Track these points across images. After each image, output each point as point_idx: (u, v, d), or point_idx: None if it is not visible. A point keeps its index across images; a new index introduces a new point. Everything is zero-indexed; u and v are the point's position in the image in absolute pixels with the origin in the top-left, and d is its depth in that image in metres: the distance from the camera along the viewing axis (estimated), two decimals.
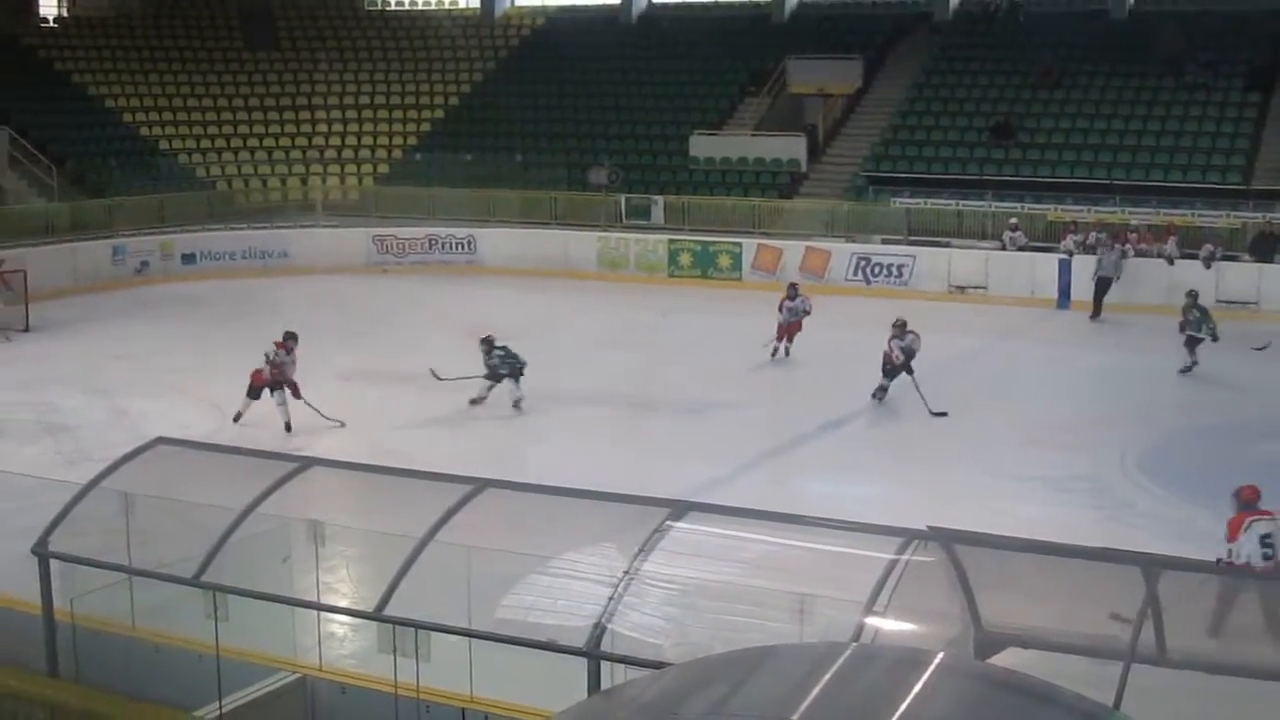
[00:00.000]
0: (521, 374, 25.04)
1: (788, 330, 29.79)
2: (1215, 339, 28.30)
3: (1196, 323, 28.71)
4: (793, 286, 30.63)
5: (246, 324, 32.48)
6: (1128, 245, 36.74)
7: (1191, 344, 28.53)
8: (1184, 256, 36.58)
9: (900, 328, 25.62)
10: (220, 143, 50.29)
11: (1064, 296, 36.19)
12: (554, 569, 11.14)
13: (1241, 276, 36.24)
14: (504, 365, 25.02)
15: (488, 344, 25.06)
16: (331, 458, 16.48)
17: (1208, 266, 35.88)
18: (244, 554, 12.79)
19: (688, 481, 19.09)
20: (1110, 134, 43.48)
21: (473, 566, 11.37)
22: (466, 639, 10.96)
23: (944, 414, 24.61)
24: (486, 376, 25.04)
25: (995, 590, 9.74)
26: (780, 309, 29.86)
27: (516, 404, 24.77)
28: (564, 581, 10.96)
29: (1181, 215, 39.16)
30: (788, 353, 29.76)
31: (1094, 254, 36.36)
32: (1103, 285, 35.53)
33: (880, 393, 25.61)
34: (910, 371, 25.17)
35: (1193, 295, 29.21)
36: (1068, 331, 33.80)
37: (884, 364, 25.55)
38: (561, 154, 47.65)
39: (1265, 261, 36.73)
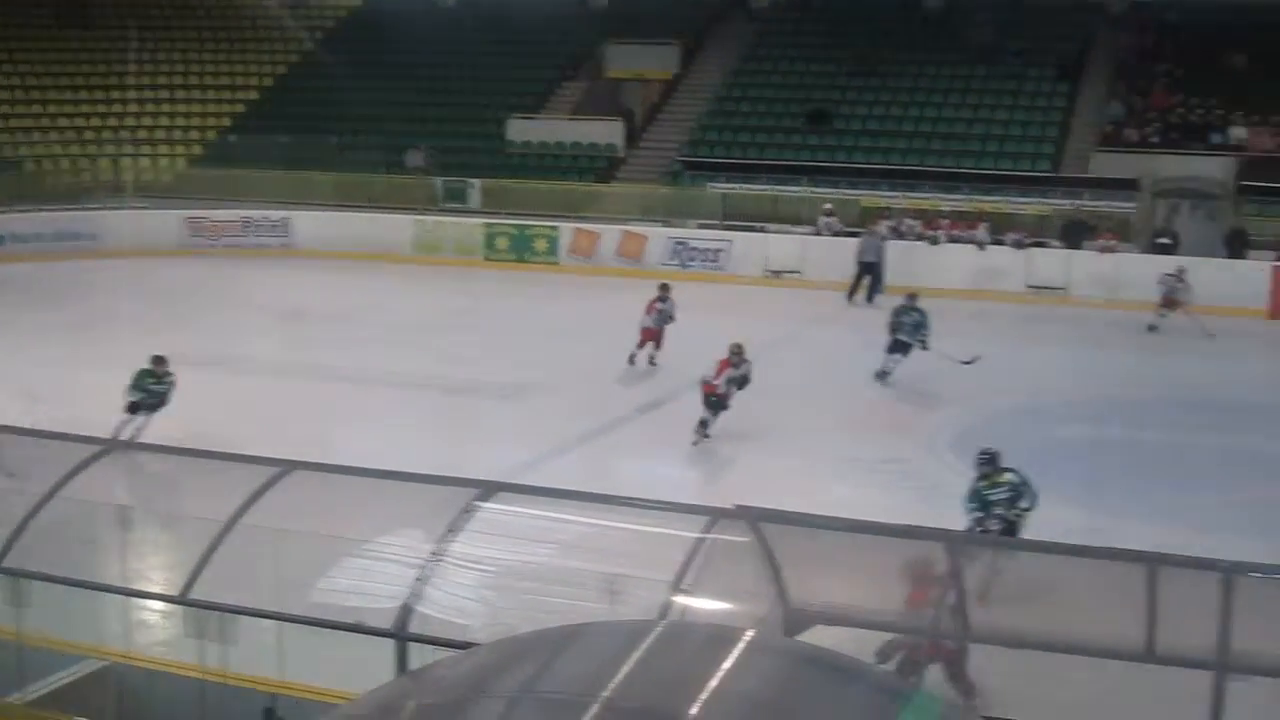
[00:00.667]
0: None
1: (653, 336, 27.33)
2: (925, 348, 26.17)
3: (913, 327, 26.50)
4: (664, 287, 27.97)
5: (55, 308, 31.81)
6: (891, 227, 37.97)
7: (899, 348, 26.38)
8: (994, 243, 37.26)
9: (738, 354, 22.49)
10: (29, 122, 49.07)
11: (878, 282, 36.59)
12: (361, 551, 11.05)
13: (1051, 262, 36.96)
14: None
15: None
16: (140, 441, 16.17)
17: (1019, 248, 36.67)
18: (47, 539, 12.48)
19: (502, 464, 19.03)
20: (924, 121, 44.20)
21: (281, 550, 11.22)
22: (277, 623, 10.81)
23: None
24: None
25: (803, 568, 9.81)
26: (649, 311, 27.38)
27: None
28: (371, 563, 10.85)
29: (992, 202, 39.85)
30: (652, 361, 27.32)
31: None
32: (864, 269, 36.13)
33: (702, 429, 22.32)
34: (726, 407, 22.28)
35: (912, 297, 27.19)
36: (876, 317, 34.19)
37: (707, 395, 22.32)
38: (378, 136, 47.19)
39: (1074, 247, 37.51)
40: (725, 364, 22.27)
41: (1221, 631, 8.18)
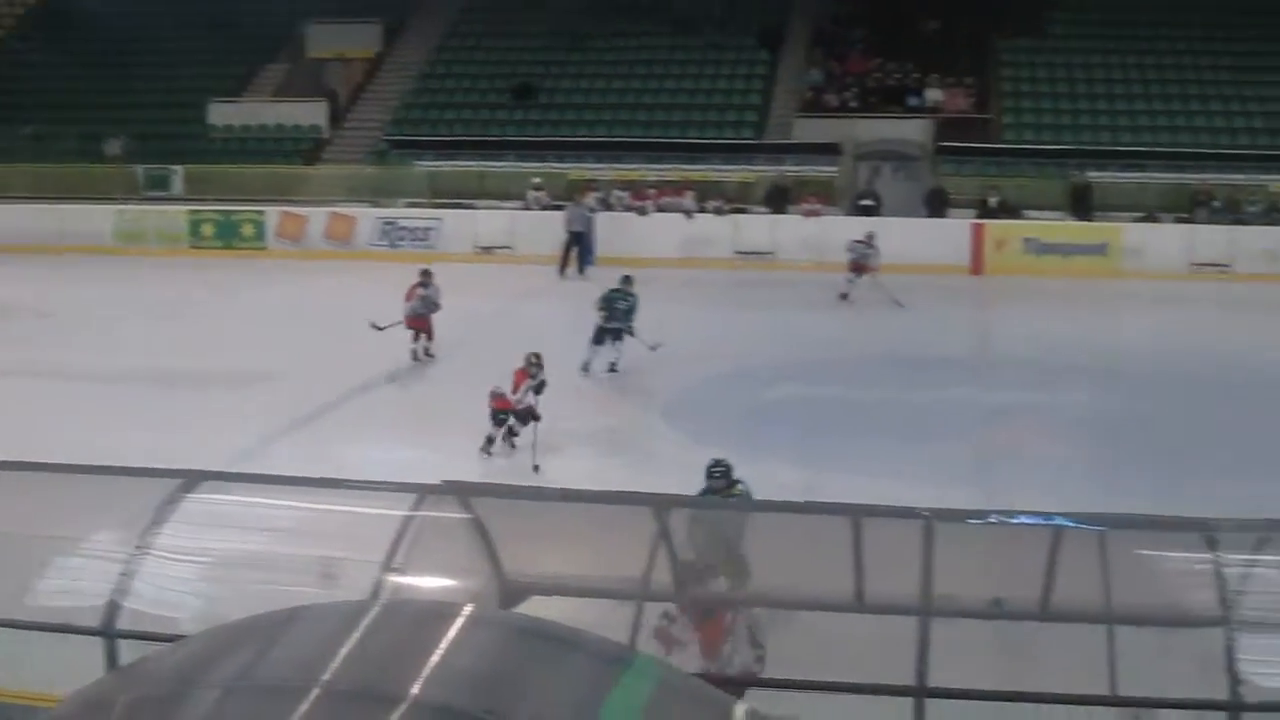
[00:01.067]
0: None
1: (422, 325, 26.04)
2: (632, 334, 25.32)
3: (626, 313, 25.51)
4: (425, 273, 26.50)
5: None
6: (599, 199, 38.47)
7: (608, 336, 25.30)
8: (701, 211, 37.78)
9: (535, 364, 21.08)
10: None
11: (588, 253, 36.78)
12: (66, 550, 10.78)
13: (758, 228, 37.61)
14: None
15: None
16: None
17: (720, 214, 37.27)
18: None
19: (220, 454, 18.62)
20: (628, 93, 44.51)
21: None
22: None
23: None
24: None
25: (516, 541, 9.86)
26: (409, 298, 25.98)
27: None
28: (77, 562, 10.60)
29: (699, 171, 40.38)
30: (428, 353, 26.20)
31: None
32: (573, 240, 36.42)
33: (509, 438, 20.94)
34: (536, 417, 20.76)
35: (627, 280, 26.26)
36: (593, 287, 34.42)
37: (497, 411, 20.94)
38: (74, 125, 45.81)
39: (779, 213, 38.21)
40: (523, 375, 21.01)
41: (924, 578, 8.45)
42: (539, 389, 20.92)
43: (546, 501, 10.36)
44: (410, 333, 25.98)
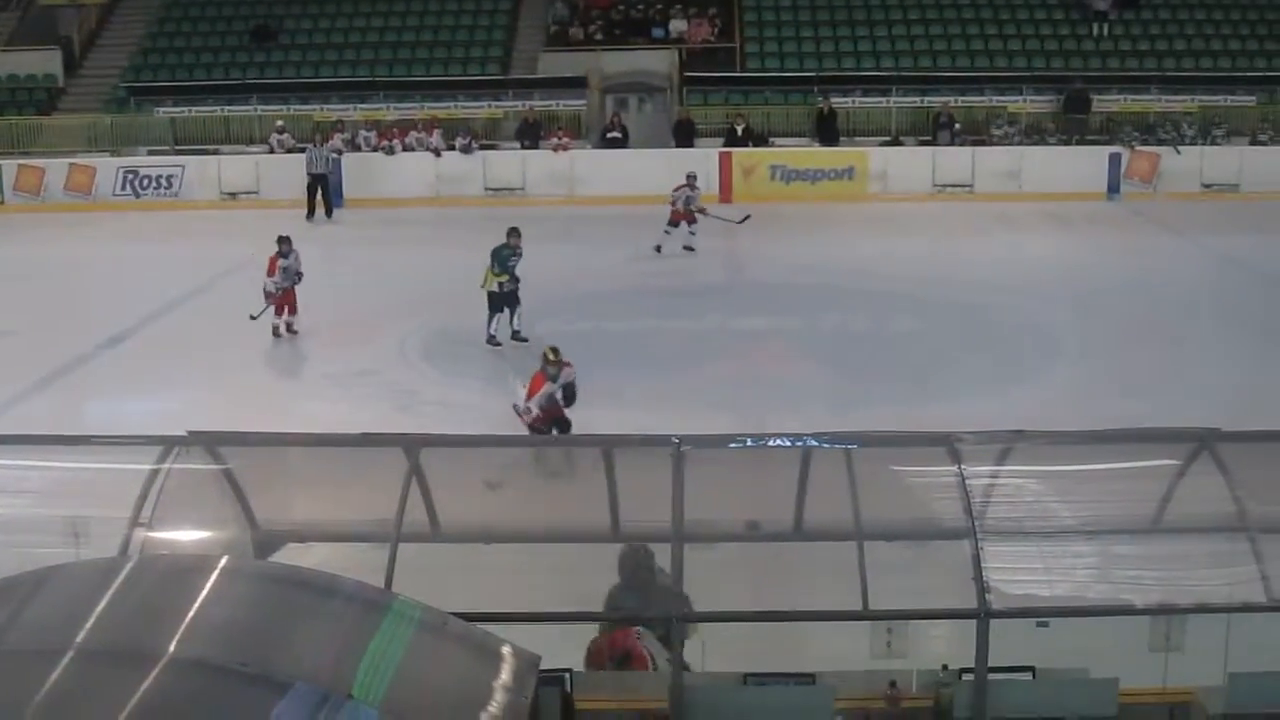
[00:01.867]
0: None
1: (287, 300, 23.69)
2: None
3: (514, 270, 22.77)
4: (283, 240, 23.86)
5: None
6: (346, 140, 38.23)
7: (508, 301, 22.86)
8: (450, 149, 37.65)
9: (555, 361, 17.27)
10: None
11: (336, 195, 36.42)
12: None
13: (507, 164, 37.60)
14: None
15: None
16: None
17: (467, 153, 37.17)
18: None
19: None
20: (371, 32, 44.04)
21: None
22: None
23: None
24: None
25: (268, 489, 9.78)
26: (271, 271, 23.61)
27: None
28: None
29: (446, 109, 40.17)
30: (291, 329, 23.70)
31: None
32: (315, 181, 35.85)
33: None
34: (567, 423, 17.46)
35: (513, 233, 23.03)
36: (342, 230, 34.23)
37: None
38: None
39: (530, 148, 38.23)
40: (539, 380, 17.23)
41: (676, 504, 8.56)
42: (568, 394, 17.37)
43: (296, 447, 10.28)
44: (283, 310, 23.74)
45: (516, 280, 22.81)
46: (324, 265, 27.58)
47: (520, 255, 23.05)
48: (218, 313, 25.00)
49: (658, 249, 30.13)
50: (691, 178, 30.96)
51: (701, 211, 30.63)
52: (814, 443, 9.45)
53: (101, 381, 22.12)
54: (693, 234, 30.35)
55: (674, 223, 30.31)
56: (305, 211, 35.45)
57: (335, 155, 36.50)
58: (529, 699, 7.05)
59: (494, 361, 21.91)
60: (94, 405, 21.09)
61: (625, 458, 9.51)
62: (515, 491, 9.97)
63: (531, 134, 38.66)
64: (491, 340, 22.78)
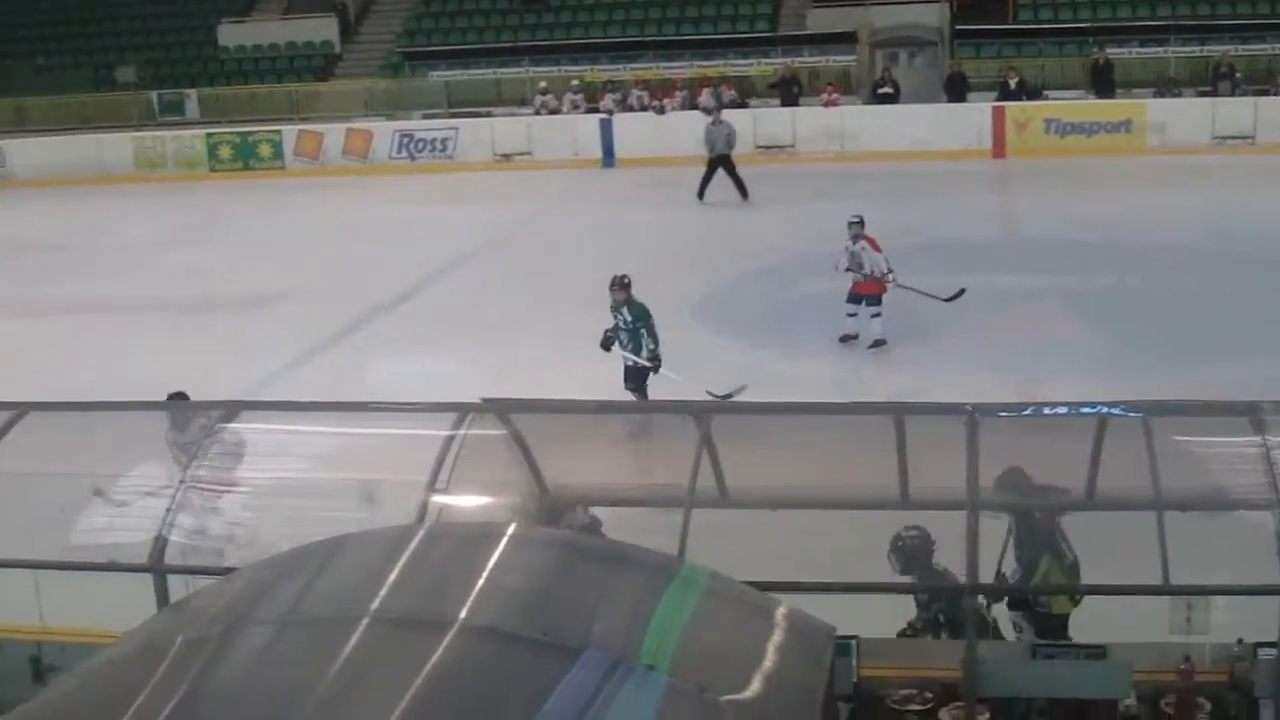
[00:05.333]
0: None
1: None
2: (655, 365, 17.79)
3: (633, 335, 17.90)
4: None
5: None
6: (617, 100, 38.42)
7: (634, 378, 17.81)
8: (719, 107, 37.51)
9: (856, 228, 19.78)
10: None
11: (608, 155, 36.63)
12: (110, 487, 10.80)
13: (777, 121, 37.38)
14: None
15: None
16: None
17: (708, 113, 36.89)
18: None
19: (248, 379, 18.75)
20: None
21: (28, 495, 10.93)
22: (31, 571, 10.53)
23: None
24: None
25: (557, 454, 9.84)
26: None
27: None
28: (122, 499, 10.62)
29: (714, 66, 40.15)
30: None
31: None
32: (716, 163, 32.08)
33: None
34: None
35: (622, 288, 18.05)
36: (616, 190, 34.31)
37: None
38: (85, 54, 45.66)
39: (789, 104, 37.96)
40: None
41: (970, 472, 8.41)
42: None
43: (586, 414, 10.30)
44: None
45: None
46: (591, 227, 27.78)
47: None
48: (495, 275, 25.32)
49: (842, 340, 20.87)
50: (855, 226, 20.88)
51: (883, 278, 20.61)
52: (1111, 410, 9.20)
53: (380, 345, 22.54)
54: (876, 315, 20.53)
55: (854, 296, 20.78)
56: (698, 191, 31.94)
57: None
58: (826, 669, 6.96)
59: (766, 322, 21.81)
60: (372, 369, 21.47)
61: (916, 425, 9.33)
62: (803, 458, 9.86)
63: (789, 89, 38.37)
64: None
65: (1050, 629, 9.72)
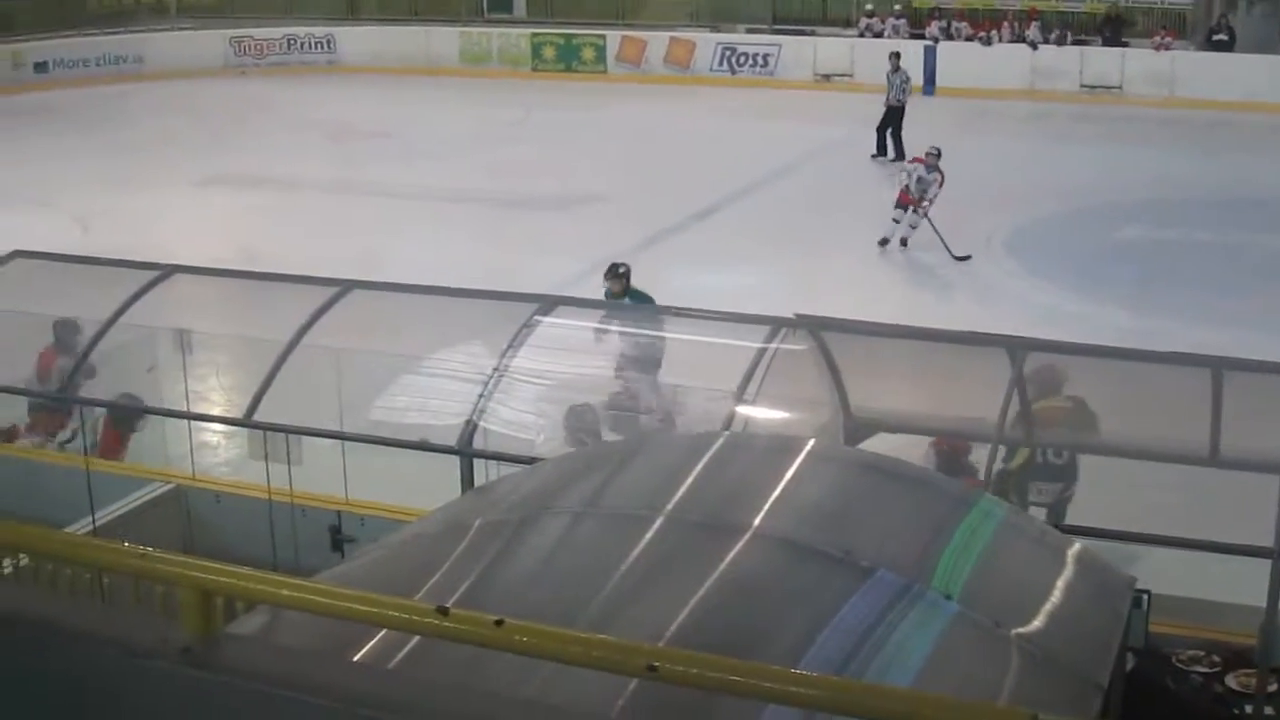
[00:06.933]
0: None
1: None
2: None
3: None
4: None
5: (102, 133, 31.75)
6: (941, 28, 37.78)
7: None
8: (1045, 42, 36.77)
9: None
10: None
11: (929, 83, 36.10)
12: (423, 369, 11.07)
13: (1105, 61, 36.37)
14: None
15: None
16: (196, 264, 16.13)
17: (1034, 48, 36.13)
18: (109, 365, 12.56)
19: (556, 276, 18.95)
20: None
21: (343, 369, 11.26)
22: (339, 443, 10.88)
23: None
24: None
25: (863, 376, 9.79)
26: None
27: None
28: (434, 381, 10.86)
29: (1045, 1, 39.24)
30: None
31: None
32: (890, 117, 29.73)
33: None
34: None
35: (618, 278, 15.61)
36: (935, 118, 33.81)
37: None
38: None
39: (1121, 45, 36.91)
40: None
41: None
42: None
43: (898, 339, 10.21)
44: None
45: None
46: (911, 152, 27.34)
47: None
48: (806, 193, 25.24)
49: (882, 243, 22.55)
50: (932, 155, 22.41)
51: (923, 207, 22.26)
52: None
53: (691, 252, 22.67)
54: (913, 227, 22.27)
55: (901, 204, 22.48)
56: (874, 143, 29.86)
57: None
58: (1124, 620, 6.82)
59: (1075, 265, 21.35)
60: (681, 275, 21.54)
61: (1234, 381, 9.02)
62: (1109, 405, 9.65)
63: (1115, 29, 37.33)
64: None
65: None
